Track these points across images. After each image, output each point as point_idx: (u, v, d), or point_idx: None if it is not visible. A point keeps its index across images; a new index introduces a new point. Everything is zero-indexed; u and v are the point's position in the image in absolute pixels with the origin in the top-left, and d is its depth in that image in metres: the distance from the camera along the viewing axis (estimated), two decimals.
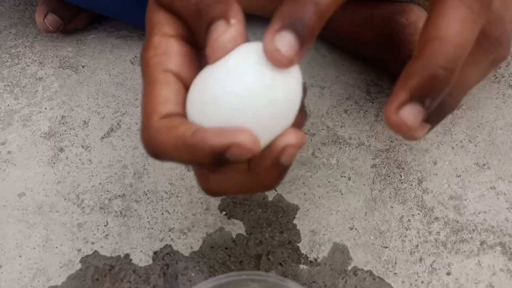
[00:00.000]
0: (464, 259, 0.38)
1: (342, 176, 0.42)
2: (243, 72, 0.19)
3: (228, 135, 0.19)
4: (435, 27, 0.19)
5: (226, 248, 0.38)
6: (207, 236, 0.38)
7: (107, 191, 0.40)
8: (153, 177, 0.41)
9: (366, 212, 0.40)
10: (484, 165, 0.43)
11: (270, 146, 0.21)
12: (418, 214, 0.40)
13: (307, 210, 0.40)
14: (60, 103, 0.46)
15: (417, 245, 0.38)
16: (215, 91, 0.20)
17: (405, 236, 0.39)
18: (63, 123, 0.44)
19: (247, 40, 0.21)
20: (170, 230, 0.38)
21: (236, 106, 0.19)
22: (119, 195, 0.40)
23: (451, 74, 0.19)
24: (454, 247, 0.38)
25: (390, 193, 0.41)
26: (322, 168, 0.42)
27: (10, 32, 0.51)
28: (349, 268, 0.37)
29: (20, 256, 0.37)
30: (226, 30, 0.20)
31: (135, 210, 0.39)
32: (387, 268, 0.37)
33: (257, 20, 0.46)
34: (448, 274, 0.37)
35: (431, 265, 0.37)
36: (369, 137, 0.44)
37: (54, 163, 0.42)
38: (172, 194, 0.40)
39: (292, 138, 0.20)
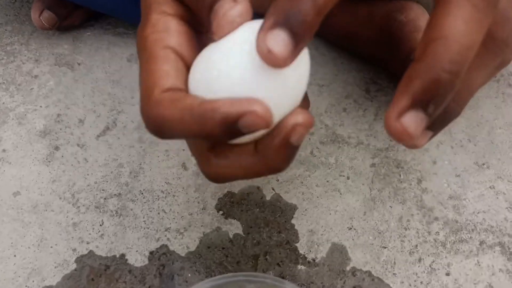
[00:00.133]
0: (463, 259, 0.37)
1: (340, 176, 0.41)
2: (253, 47, 0.18)
3: (242, 104, 0.18)
4: (439, 27, 0.18)
5: (223, 248, 0.37)
6: (203, 236, 0.38)
7: (103, 190, 0.40)
8: (149, 176, 0.41)
9: (365, 212, 0.39)
10: (484, 164, 0.42)
11: (278, 125, 0.20)
12: (418, 214, 0.39)
13: (305, 209, 0.39)
14: (56, 101, 0.45)
15: (416, 245, 0.38)
16: (224, 65, 0.19)
17: (404, 236, 0.38)
18: (58, 121, 0.44)
19: (252, 18, 0.20)
20: (166, 230, 0.38)
21: (246, 80, 0.19)
22: (115, 194, 0.40)
23: (456, 77, 0.17)
24: (453, 247, 0.38)
25: (389, 192, 0.41)
26: (320, 167, 0.42)
27: (5, 30, 0.51)
28: (348, 268, 0.37)
29: (14, 256, 0.36)
30: (233, 7, 0.20)
31: (131, 210, 0.39)
32: (386, 269, 0.37)
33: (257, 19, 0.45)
34: (447, 274, 0.37)
35: (430, 265, 0.37)
36: (368, 136, 0.44)
37: (50, 161, 0.41)
38: (169, 193, 0.40)
39: (301, 117, 0.20)
